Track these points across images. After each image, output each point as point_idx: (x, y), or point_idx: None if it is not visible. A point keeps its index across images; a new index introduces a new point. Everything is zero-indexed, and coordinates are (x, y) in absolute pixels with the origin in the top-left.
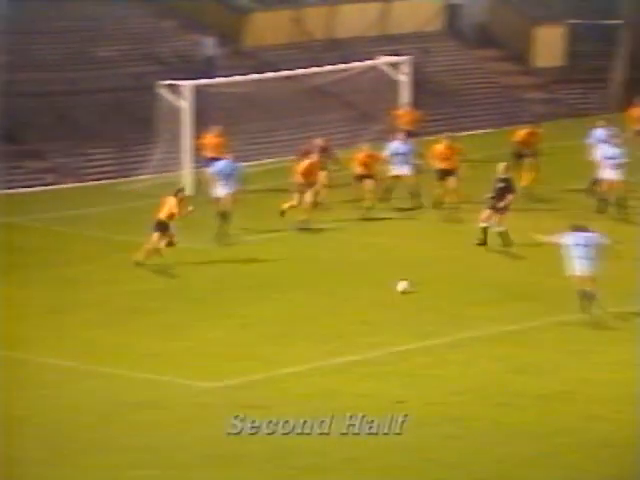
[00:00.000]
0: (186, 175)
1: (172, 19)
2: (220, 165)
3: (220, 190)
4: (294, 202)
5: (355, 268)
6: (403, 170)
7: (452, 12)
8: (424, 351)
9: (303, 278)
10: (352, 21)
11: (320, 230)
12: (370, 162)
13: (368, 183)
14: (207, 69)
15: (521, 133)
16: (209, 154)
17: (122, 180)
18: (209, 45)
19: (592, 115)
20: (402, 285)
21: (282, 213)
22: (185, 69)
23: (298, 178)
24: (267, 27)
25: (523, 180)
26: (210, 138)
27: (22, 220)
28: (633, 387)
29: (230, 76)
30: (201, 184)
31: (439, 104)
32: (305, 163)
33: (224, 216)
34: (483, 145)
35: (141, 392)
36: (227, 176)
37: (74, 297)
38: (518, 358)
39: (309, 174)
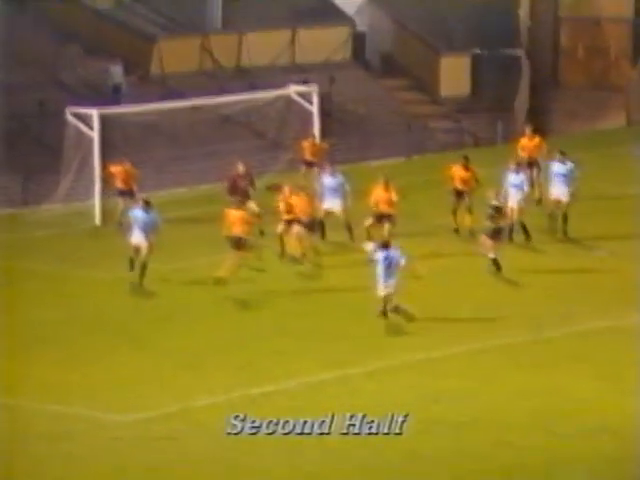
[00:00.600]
0: (95, 204)
1: (76, 44)
2: (137, 213)
3: (136, 238)
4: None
5: (262, 297)
6: (335, 204)
7: (358, 41)
8: (336, 380)
9: (213, 308)
10: (260, 49)
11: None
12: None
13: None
14: (114, 96)
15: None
16: (119, 185)
17: (28, 208)
18: (116, 72)
19: (497, 144)
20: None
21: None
22: (91, 96)
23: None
24: (174, 54)
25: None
26: (119, 169)
27: None
28: (542, 414)
29: (137, 104)
30: (112, 214)
31: (347, 133)
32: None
33: (143, 267)
34: (390, 174)
35: (47, 424)
36: (145, 224)
37: None
38: (430, 386)
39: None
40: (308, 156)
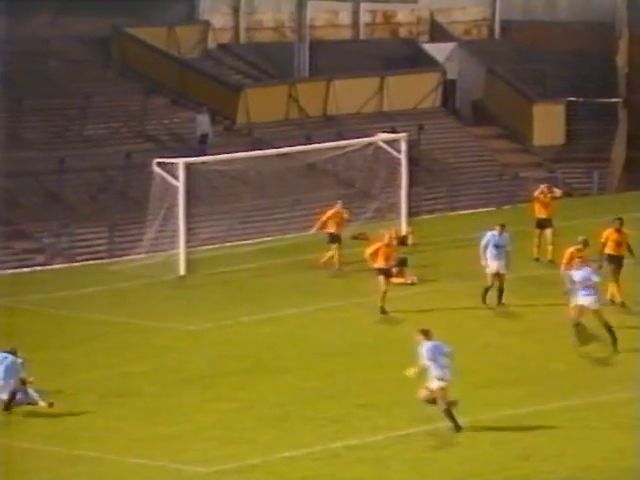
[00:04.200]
0: (179, 254)
1: (163, 96)
2: None
3: None
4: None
5: (350, 349)
6: (501, 266)
7: (448, 88)
8: (425, 435)
9: (299, 360)
10: (347, 97)
11: (319, 310)
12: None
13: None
14: (200, 146)
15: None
16: (331, 230)
17: (113, 260)
18: (202, 122)
19: (592, 195)
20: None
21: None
22: (177, 147)
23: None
24: (260, 103)
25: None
26: (332, 213)
27: (11, 302)
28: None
29: (223, 153)
30: (197, 264)
31: (435, 182)
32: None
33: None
34: (480, 224)
35: (132, 478)
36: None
37: (64, 381)
38: (520, 443)
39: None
40: (540, 213)
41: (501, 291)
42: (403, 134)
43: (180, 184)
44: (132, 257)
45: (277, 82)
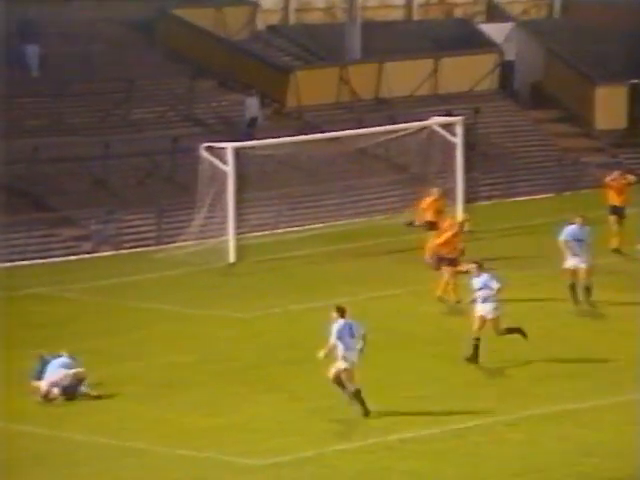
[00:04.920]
0: (229, 241)
1: (210, 78)
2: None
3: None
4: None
5: (404, 340)
6: (580, 261)
7: (505, 70)
8: (482, 428)
9: None
10: (400, 79)
11: (371, 298)
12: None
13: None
14: (249, 130)
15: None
16: (428, 218)
17: (160, 247)
18: (251, 105)
19: None
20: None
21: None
22: (225, 131)
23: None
24: (311, 86)
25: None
26: (429, 201)
27: (56, 290)
28: None
29: (272, 137)
30: (246, 250)
31: (492, 167)
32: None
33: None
34: (539, 211)
35: (180, 470)
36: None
37: (111, 371)
38: (582, 438)
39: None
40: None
41: (587, 288)
42: (459, 117)
43: (229, 169)
44: (180, 244)
45: (328, 64)
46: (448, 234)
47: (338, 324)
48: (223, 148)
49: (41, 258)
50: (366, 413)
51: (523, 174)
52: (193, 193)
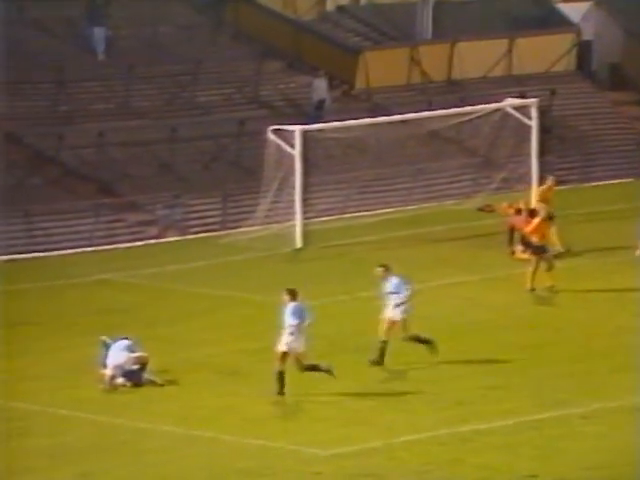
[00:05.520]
0: (296, 226)
1: (278, 60)
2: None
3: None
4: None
5: (477, 327)
6: None
7: (583, 50)
8: (556, 421)
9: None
10: (473, 60)
11: (442, 285)
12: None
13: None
14: (316, 113)
15: None
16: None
17: (226, 232)
18: (319, 87)
19: None
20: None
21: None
22: (292, 113)
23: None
24: (380, 67)
25: None
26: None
27: (122, 276)
28: None
29: (340, 120)
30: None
31: (568, 151)
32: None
33: None
34: (618, 197)
35: (247, 459)
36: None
37: (177, 358)
38: None
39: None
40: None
41: None
42: (533, 99)
43: (296, 152)
44: (245, 229)
45: (398, 45)
46: (537, 221)
47: (291, 307)
48: (290, 131)
49: (107, 244)
50: (280, 393)
51: (600, 158)
52: (259, 177)
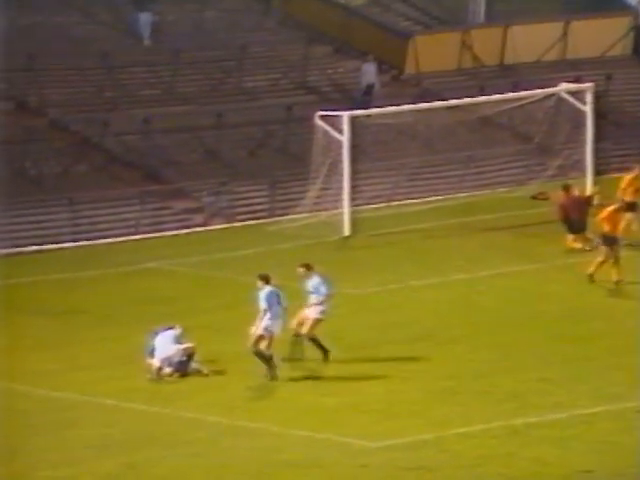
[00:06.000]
0: (344, 214)
1: (325, 44)
2: None
3: None
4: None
5: (530, 319)
6: None
7: (639, 35)
8: (610, 415)
9: (471, 329)
10: (527, 44)
11: (492, 275)
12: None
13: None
14: (365, 98)
15: None
16: (627, 198)
17: (273, 220)
18: (368, 72)
19: None
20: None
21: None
22: (341, 98)
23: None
24: (431, 51)
25: None
26: (629, 178)
27: (168, 264)
28: None
29: (390, 105)
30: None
31: (624, 137)
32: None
33: None
34: None
35: (293, 450)
36: None
37: (221, 347)
38: None
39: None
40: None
41: None
42: (589, 84)
43: (344, 138)
44: (293, 217)
45: (449, 29)
46: (610, 209)
47: (265, 291)
48: (338, 116)
49: (153, 232)
50: (273, 378)
51: None
52: (307, 164)
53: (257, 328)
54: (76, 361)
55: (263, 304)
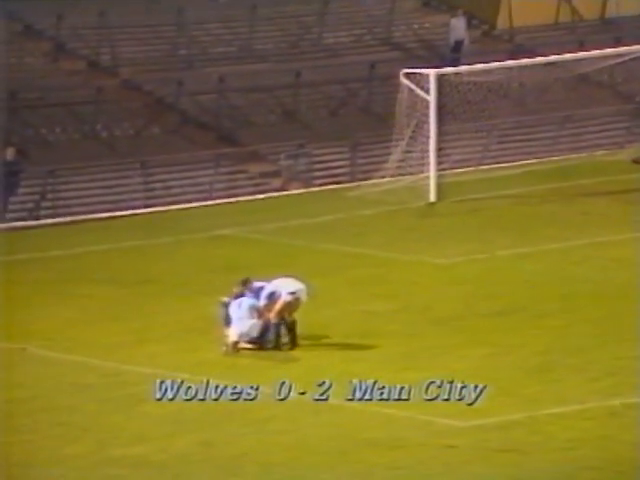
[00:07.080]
0: (430, 178)
1: None
2: None
3: None
4: None
5: (628, 291)
6: None
7: None
8: None
9: (565, 302)
10: None
11: (589, 245)
12: None
13: None
14: (453, 55)
15: None
16: None
17: (354, 184)
18: (457, 27)
19: None
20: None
21: None
22: (427, 55)
23: None
24: (525, 5)
25: None
26: None
27: (243, 231)
28: None
29: (480, 63)
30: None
31: None
32: None
33: None
34: None
35: (375, 429)
36: None
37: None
38: None
39: None
40: None
41: None
42: None
43: (431, 98)
44: (375, 181)
45: None
46: None
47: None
48: (425, 74)
49: (227, 197)
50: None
51: None
52: (390, 125)
53: (232, 334)
54: (147, 333)
55: (237, 311)
